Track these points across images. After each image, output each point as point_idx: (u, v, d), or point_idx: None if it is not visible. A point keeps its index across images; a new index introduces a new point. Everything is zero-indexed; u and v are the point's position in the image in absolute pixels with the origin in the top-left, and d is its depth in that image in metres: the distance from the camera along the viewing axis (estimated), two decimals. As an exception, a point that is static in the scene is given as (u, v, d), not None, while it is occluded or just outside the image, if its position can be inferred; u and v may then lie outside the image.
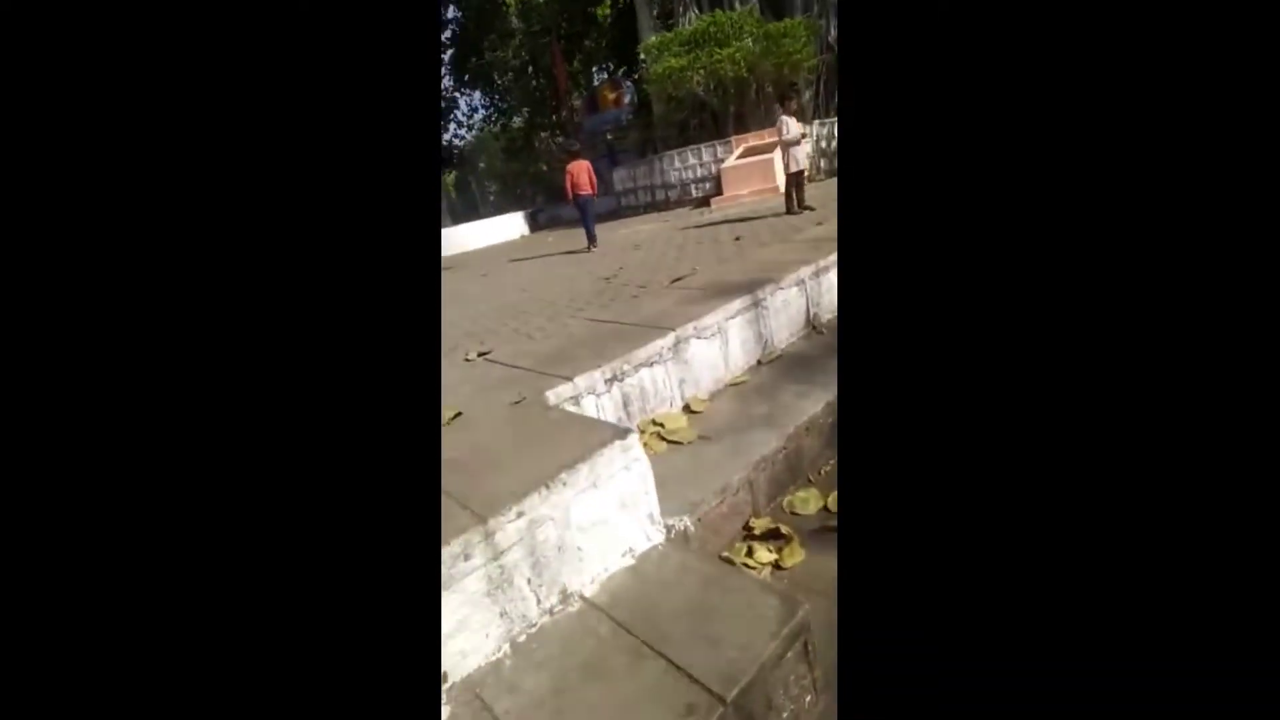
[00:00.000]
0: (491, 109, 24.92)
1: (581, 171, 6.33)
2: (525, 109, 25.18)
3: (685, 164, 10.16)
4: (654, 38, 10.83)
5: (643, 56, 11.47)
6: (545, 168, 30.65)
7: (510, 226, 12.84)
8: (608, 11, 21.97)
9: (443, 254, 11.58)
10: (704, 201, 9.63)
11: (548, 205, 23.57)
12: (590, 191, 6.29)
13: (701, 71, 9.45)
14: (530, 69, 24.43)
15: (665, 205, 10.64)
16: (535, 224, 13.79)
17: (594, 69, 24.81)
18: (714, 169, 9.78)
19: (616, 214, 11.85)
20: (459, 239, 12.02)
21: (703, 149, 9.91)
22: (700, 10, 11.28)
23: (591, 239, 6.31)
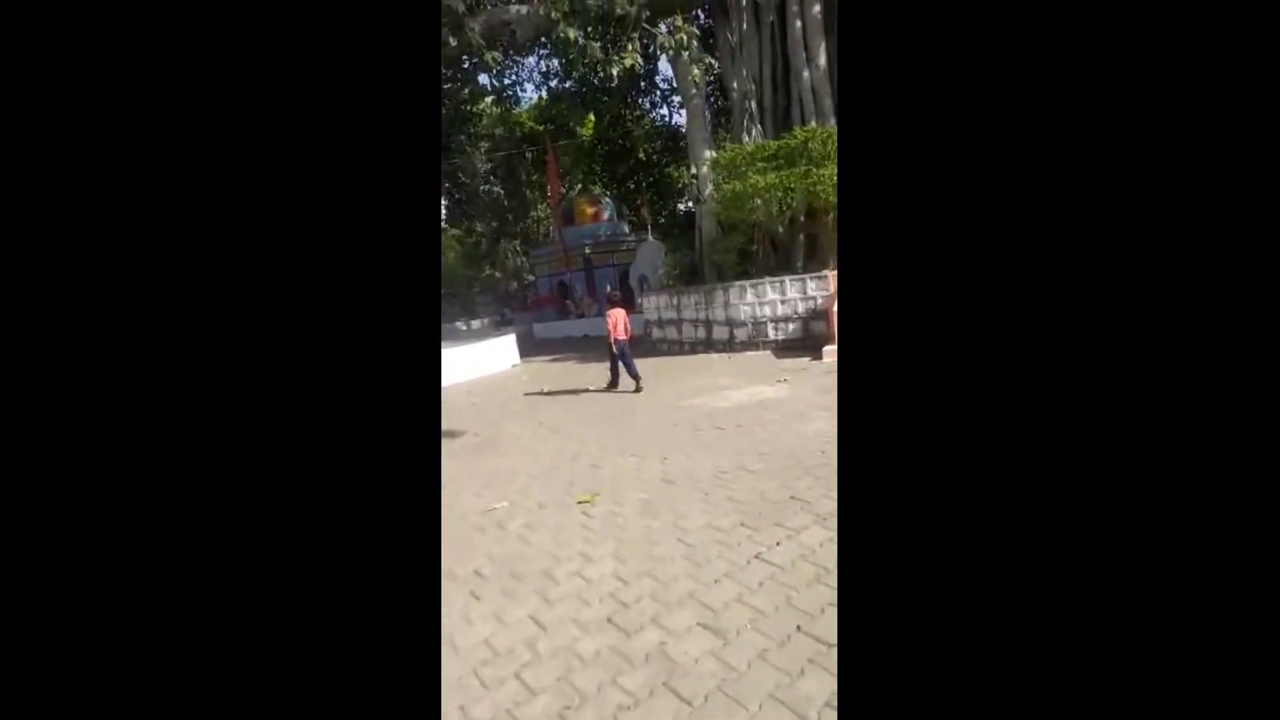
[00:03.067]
0: (457, 210, 22.58)
1: (620, 318, 6.46)
2: (488, 216, 23.19)
3: (762, 298, 7.93)
4: (724, 151, 9.04)
5: (702, 170, 9.61)
6: (499, 274, 28.41)
7: (500, 354, 9.78)
8: (590, 133, 21.27)
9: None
10: (800, 346, 7.32)
11: (511, 315, 20.92)
12: (627, 337, 6.50)
13: (792, 193, 7.57)
14: (492, 177, 22.88)
15: (728, 346, 8.21)
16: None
17: (573, 184, 23.65)
18: (807, 306, 7.61)
19: (650, 350, 9.25)
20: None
21: (788, 282, 7.78)
22: (765, 128, 9.78)
23: (636, 379, 6.40)
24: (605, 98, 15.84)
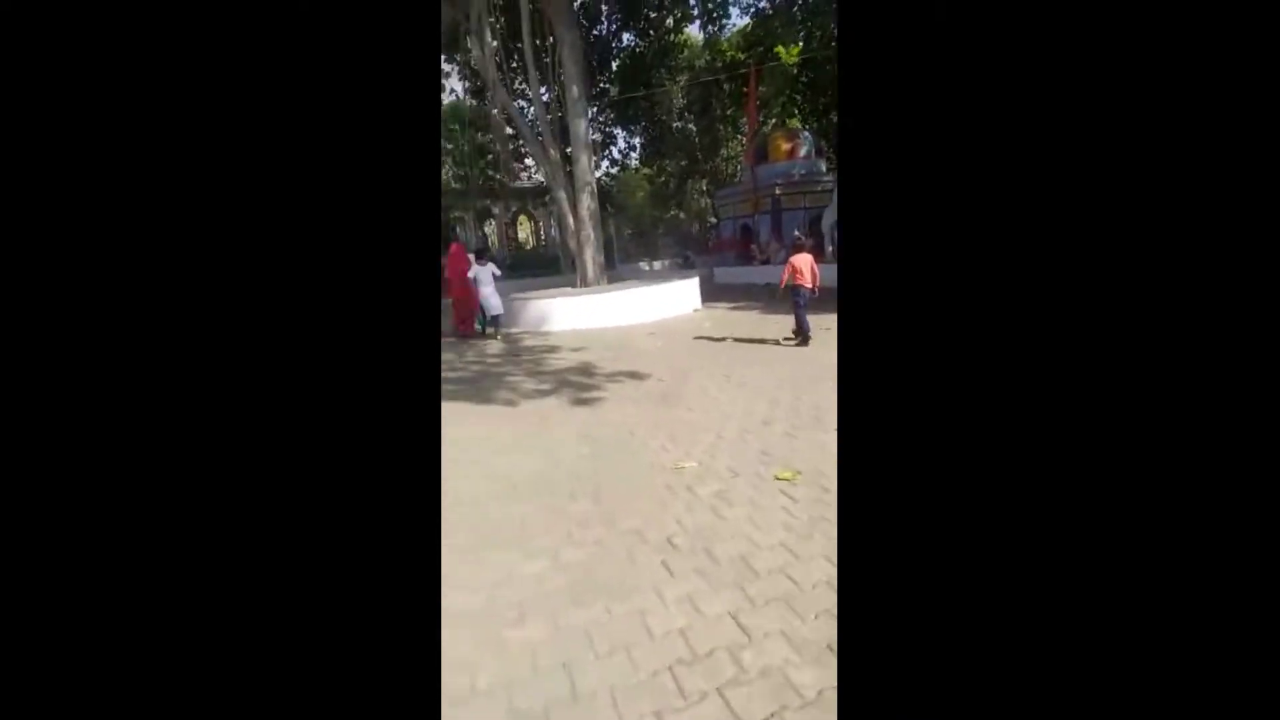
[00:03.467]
0: (650, 149, 22.61)
1: (806, 264, 6.01)
2: (679, 154, 22.77)
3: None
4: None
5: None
6: (683, 215, 28.22)
7: (683, 296, 9.63)
8: (795, 57, 19.21)
9: (589, 325, 8.55)
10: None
11: (694, 258, 20.73)
12: (813, 287, 5.99)
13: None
14: (687, 113, 22.12)
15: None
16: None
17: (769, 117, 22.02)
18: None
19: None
20: (616, 308, 8.92)
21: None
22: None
23: (803, 331, 6.01)
24: (820, 15, 14.03)
